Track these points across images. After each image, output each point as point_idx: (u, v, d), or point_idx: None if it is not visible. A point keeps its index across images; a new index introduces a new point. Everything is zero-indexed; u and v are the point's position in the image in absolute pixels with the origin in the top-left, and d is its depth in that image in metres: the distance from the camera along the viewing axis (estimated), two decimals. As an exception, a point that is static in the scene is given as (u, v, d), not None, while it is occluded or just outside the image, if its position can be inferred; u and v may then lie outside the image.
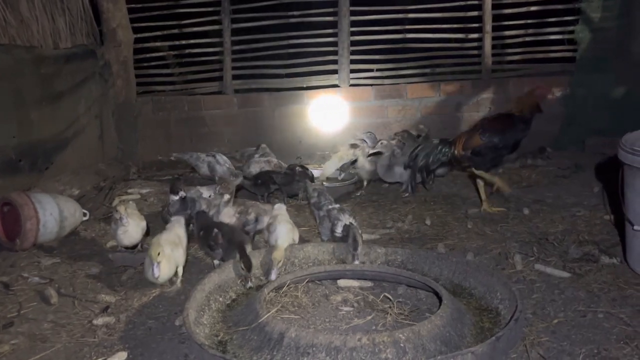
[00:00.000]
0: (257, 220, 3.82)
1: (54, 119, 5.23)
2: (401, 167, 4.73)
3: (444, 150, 4.35)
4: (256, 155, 5.43)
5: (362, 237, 3.35)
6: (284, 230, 3.43)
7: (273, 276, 3.11)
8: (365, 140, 5.51)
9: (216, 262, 3.40)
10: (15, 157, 4.71)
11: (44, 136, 5.08)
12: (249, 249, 3.24)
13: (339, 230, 3.53)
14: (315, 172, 5.06)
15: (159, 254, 3.03)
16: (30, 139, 4.89)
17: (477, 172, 4.25)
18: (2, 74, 4.62)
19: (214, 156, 5.16)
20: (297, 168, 4.71)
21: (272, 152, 5.53)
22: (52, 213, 3.97)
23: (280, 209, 3.71)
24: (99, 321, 2.87)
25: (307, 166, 4.95)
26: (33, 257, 3.79)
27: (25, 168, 4.83)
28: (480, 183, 4.36)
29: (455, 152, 4.30)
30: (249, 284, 3.11)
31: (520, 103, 4.18)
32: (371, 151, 4.82)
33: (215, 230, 3.33)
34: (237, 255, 3.12)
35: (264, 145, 5.64)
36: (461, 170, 4.98)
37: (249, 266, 3.08)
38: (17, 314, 2.99)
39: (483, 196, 4.36)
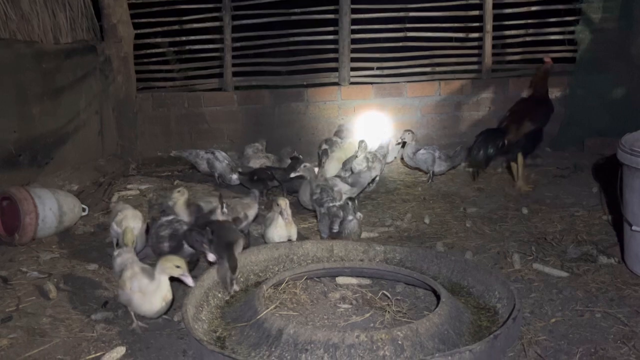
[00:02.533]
0: (246, 217, 3.82)
1: (54, 114, 5.23)
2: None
3: (498, 140, 4.67)
4: (251, 150, 5.45)
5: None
6: (280, 224, 3.49)
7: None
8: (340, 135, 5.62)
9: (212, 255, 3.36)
10: (15, 152, 4.70)
11: (44, 131, 5.08)
12: (238, 249, 3.10)
13: (335, 227, 3.56)
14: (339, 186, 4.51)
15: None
16: (30, 133, 4.89)
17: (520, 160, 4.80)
18: (2, 68, 4.61)
19: (212, 153, 5.17)
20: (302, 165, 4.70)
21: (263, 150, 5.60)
22: (51, 208, 3.97)
23: (283, 199, 3.72)
24: (98, 316, 2.88)
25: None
26: (32, 252, 3.79)
27: (25, 163, 4.82)
28: (520, 161, 4.78)
29: (507, 139, 4.65)
30: (234, 287, 3.00)
31: (536, 84, 4.85)
32: (293, 174, 4.33)
33: (207, 227, 3.32)
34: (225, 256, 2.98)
35: (258, 144, 5.64)
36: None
37: (234, 267, 2.96)
38: (16, 308, 2.99)
39: (520, 173, 4.79)
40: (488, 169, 5.24)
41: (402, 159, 5.41)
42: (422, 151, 5.09)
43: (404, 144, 5.24)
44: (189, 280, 2.72)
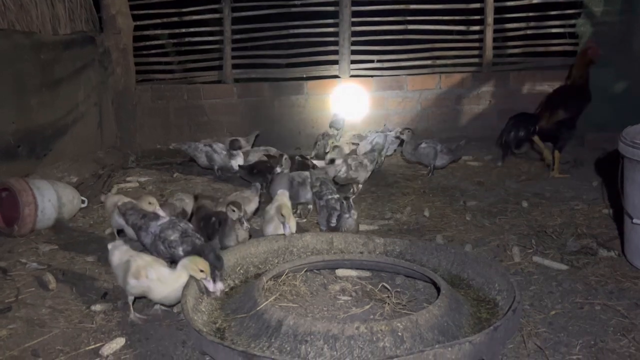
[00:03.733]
0: (245, 213, 3.81)
1: (52, 105, 5.21)
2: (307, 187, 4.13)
3: (530, 124, 4.89)
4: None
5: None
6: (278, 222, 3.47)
7: (286, 231, 3.33)
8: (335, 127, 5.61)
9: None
10: (14, 143, 4.69)
11: (43, 122, 5.06)
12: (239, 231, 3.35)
13: (333, 220, 3.55)
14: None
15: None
16: (29, 125, 4.87)
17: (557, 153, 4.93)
18: (0, 59, 4.59)
19: (210, 146, 5.15)
20: (297, 158, 4.70)
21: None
22: (50, 199, 3.96)
23: (283, 194, 3.72)
24: (97, 307, 2.88)
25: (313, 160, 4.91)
26: (31, 243, 3.79)
27: (24, 154, 4.81)
28: (556, 154, 4.93)
29: (539, 125, 4.86)
30: (245, 225, 3.29)
31: (576, 69, 4.91)
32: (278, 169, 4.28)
33: (214, 218, 3.33)
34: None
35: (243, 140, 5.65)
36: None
37: (239, 205, 3.29)
38: (15, 299, 2.99)
39: (556, 165, 4.92)
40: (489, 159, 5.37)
41: (401, 153, 5.39)
42: (423, 145, 5.05)
43: (402, 142, 5.21)
44: (210, 285, 2.74)
